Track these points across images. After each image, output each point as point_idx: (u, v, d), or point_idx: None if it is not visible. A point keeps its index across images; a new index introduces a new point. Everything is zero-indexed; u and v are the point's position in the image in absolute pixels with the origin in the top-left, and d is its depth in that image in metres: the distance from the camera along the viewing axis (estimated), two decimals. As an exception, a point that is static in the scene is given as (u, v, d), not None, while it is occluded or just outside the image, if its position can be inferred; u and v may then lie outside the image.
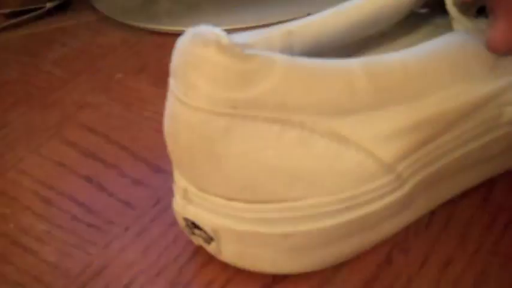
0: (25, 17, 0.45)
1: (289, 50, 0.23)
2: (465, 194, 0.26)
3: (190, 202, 0.23)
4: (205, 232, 0.23)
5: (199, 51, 0.20)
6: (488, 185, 0.27)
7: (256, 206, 0.22)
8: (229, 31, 0.21)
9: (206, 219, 0.22)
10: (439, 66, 0.23)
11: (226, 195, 0.22)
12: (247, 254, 0.23)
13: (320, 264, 0.24)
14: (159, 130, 0.24)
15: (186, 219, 0.23)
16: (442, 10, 0.26)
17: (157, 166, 0.30)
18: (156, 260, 0.25)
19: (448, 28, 0.25)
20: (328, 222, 0.22)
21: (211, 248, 0.23)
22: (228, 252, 0.23)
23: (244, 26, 0.40)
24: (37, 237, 0.27)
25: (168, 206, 0.28)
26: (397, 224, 0.25)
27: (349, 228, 0.23)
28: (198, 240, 0.24)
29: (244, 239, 0.22)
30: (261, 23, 0.40)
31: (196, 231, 0.23)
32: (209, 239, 0.23)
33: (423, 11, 0.27)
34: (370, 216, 0.23)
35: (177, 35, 0.22)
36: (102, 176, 0.30)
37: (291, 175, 0.21)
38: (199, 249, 0.25)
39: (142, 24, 0.43)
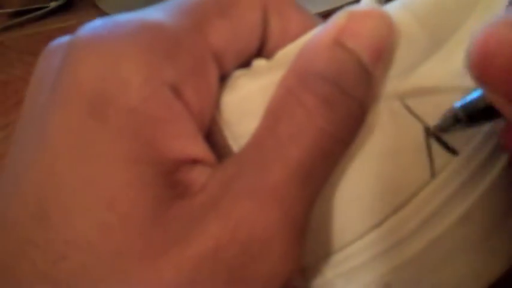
0: (28, 16, 0.45)
1: None
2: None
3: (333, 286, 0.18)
4: None
5: None
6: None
7: (410, 206, 0.17)
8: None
9: (358, 279, 0.18)
10: None
11: (372, 222, 0.17)
12: None
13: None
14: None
15: None
16: None
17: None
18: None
19: None
20: (486, 180, 0.17)
21: None
22: None
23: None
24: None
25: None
26: None
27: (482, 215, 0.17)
28: None
29: (427, 263, 0.17)
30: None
31: None
32: None
33: None
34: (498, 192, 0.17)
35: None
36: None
37: (402, 145, 0.17)
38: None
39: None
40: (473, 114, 0.16)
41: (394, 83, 0.18)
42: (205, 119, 0.17)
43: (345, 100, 0.16)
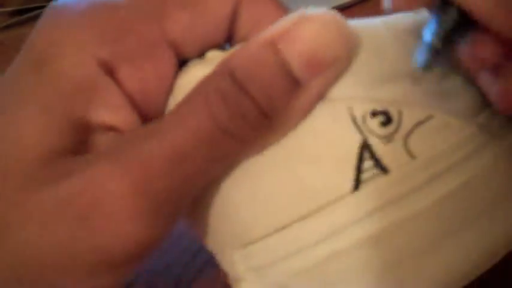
0: (28, 15, 0.45)
1: None
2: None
3: (242, 279, 0.19)
4: None
5: None
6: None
7: (319, 215, 0.17)
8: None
9: (266, 278, 0.18)
10: None
11: (279, 223, 0.18)
12: None
13: (438, 283, 0.17)
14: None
15: None
16: None
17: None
18: (160, 257, 0.25)
19: None
20: (416, 203, 0.17)
21: None
22: None
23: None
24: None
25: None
26: None
27: (450, 210, 0.17)
28: None
29: (328, 276, 0.17)
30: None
31: None
32: None
33: None
34: (470, 190, 0.17)
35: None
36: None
37: (333, 154, 0.17)
38: (203, 247, 0.25)
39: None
40: (446, 36, 0.16)
41: (348, 90, 0.18)
42: (152, 98, 0.19)
43: (244, 101, 0.16)
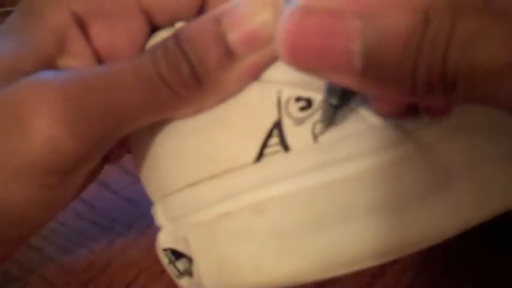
0: (29, 14, 0.45)
1: None
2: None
3: (162, 228, 0.21)
4: (183, 254, 0.20)
5: None
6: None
7: (222, 178, 0.19)
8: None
9: (176, 230, 0.20)
10: None
11: (190, 180, 0.19)
12: (226, 262, 0.18)
13: (317, 265, 0.17)
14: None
15: (165, 251, 0.21)
16: None
17: (161, 163, 0.30)
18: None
19: None
20: (307, 181, 0.18)
21: (195, 281, 0.20)
22: (208, 271, 0.19)
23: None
24: (41, 235, 0.27)
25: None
26: (433, 215, 0.17)
27: (341, 196, 0.17)
28: (186, 283, 0.20)
29: (216, 234, 0.19)
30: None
31: (178, 262, 0.20)
32: (190, 263, 0.20)
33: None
34: (372, 178, 0.17)
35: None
36: (106, 174, 0.30)
37: (250, 127, 0.19)
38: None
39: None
40: (342, 94, 0.17)
41: (282, 75, 0.19)
42: (120, 57, 0.20)
43: (180, 57, 0.18)
